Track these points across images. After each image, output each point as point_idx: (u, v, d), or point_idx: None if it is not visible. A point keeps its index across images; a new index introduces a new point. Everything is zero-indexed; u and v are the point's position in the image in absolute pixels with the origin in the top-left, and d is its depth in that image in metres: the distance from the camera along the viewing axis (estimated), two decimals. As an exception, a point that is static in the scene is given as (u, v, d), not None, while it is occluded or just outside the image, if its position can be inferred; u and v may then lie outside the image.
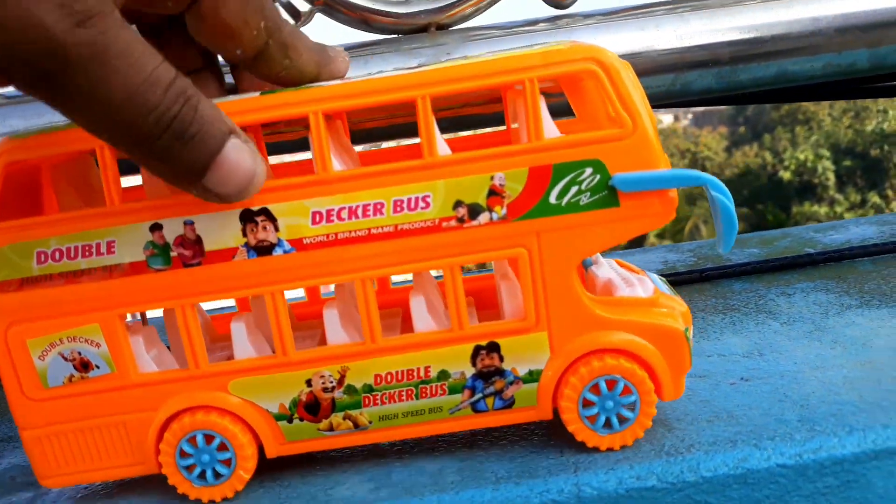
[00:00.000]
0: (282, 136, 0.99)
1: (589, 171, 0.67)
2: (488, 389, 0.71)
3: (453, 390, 0.71)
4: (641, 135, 0.66)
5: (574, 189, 0.67)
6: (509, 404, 0.72)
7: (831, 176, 18.68)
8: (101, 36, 0.54)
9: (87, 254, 0.69)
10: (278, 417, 0.72)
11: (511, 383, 0.71)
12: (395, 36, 0.98)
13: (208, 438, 0.71)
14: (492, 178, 0.67)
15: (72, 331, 0.70)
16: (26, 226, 0.69)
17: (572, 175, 0.67)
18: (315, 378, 0.71)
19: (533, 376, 0.71)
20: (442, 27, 0.97)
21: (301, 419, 0.72)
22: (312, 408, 0.72)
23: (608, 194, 0.67)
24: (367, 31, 0.98)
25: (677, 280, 1.16)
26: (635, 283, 0.76)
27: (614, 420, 0.70)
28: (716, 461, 0.67)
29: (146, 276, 0.69)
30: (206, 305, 0.79)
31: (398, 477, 0.72)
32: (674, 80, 0.97)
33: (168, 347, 0.79)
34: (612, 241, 0.69)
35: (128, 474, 0.74)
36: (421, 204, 0.68)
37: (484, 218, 0.68)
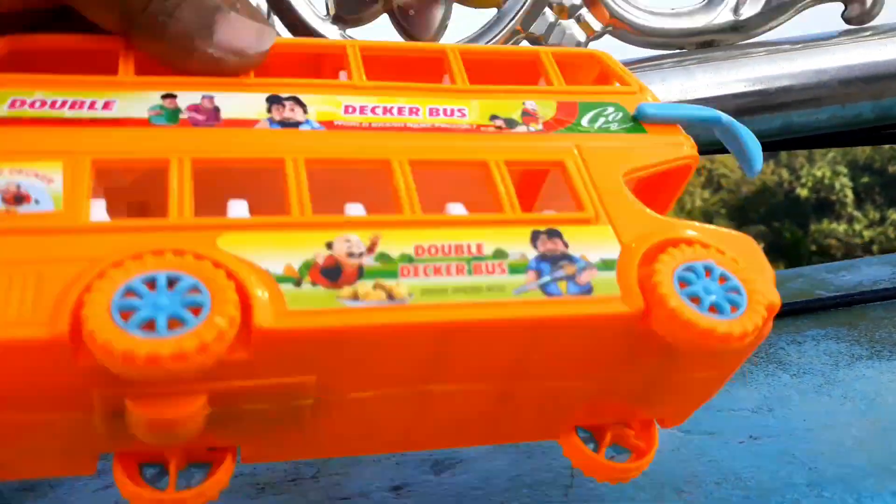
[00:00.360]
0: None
1: (611, 108, 0.69)
2: (557, 272, 0.56)
3: (515, 270, 0.56)
4: (648, 94, 0.71)
5: (602, 119, 0.68)
6: (587, 290, 0.56)
7: (849, 193, 18.55)
8: None
9: (76, 107, 0.57)
10: (281, 279, 0.52)
11: (583, 269, 0.57)
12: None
13: (171, 282, 0.49)
14: (523, 103, 0.68)
15: (23, 163, 0.53)
16: (13, 80, 0.57)
17: (598, 110, 0.68)
18: (339, 241, 0.54)
19: (608, 265, 0.58)
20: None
21: (314, 284, 0.52)
22: (332, 272, 0.53)
23: (634, 124, 0.68)
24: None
25: (688, 326, 1.16)
26: None
27: (724, 305, 0.56)
28: (722, 529, 0.67)
29: (144, 128, 0.57)
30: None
31: None
32: (679, 135, 0.97)
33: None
34: (648, 160, 0.67)
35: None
36: (457, 113, 0.66)
37: (521, 129, 0.66)
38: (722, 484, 0.73)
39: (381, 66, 0.70)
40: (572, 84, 0.75)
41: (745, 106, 0.96)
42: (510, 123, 0.67)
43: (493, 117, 0.67)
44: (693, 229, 0.62)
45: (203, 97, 0.60)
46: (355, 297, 0.52)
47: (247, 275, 0.50)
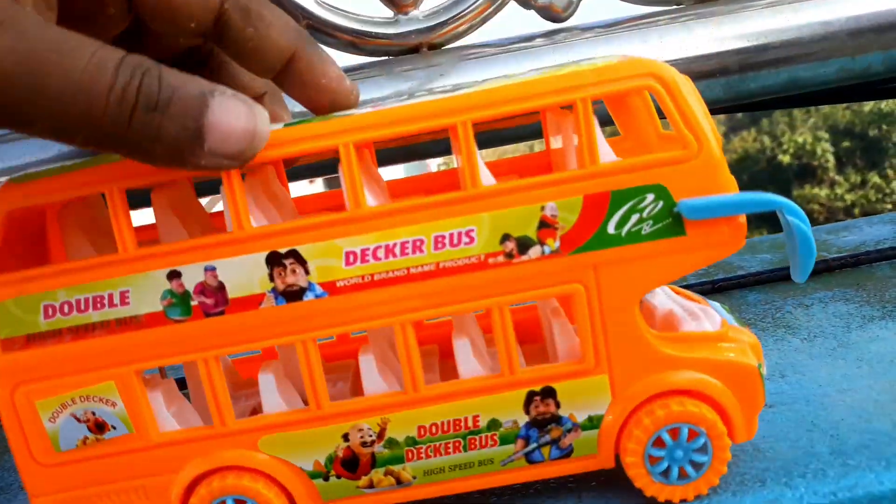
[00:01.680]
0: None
1: (651, 197, 0.61)
2: (544, 438, 0.65)
3: (505, 440, 0.65)
4: (707, 156, 0.60)
5: (635, 217, 0.61)
6: (567, 453, 0.66)
7: (830, 158, 18.61)
8: (20, 41, 0.50)
9: (98, 306, 0.63)
10: (313, 475, 0.67)
11: (569, 431, 0.65)
12: (386, 58, 0.95)
13: (238, 503, 0.66)
14: (542, 208, 0.61)
15: (84, 390, 0.64)
16: (31, 277, 0.63)
17: (632, 202, 0.61)
18: (353, 432, 0.65)
19: (593, 423, 0.65)
20: (434, 47, 0.94)
21: (338, 476, 0.66)
22: (350, 464, 0.66)
23: (672, 222, 0.61)
24: (356, 54, 0.95)
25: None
26: (700, 314, 0.70)
27: (688, 469, 0.65)
28: (745, 503, 0.64)
29: (164, 328, 0.64)
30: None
31: (412, 527, 0.68)
32: (681, 92, 0.93)
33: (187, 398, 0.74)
34: (677, 274, 0.63)
35: None
36: (465, 239, 0.62)
37: (535, 252, 0.62)
38: (740, 456, 0.69)
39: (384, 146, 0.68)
40: (632, 122, 0.68)
41: (747, 61, 0.92)
42: (523, 247, 0.62)
43: (505, 238, 0.62)
44: (690, 369, 0.64)
45: (206, 270, 0.63)
46: (370, 485, 0.67)
47: (289, 478, 0.67)
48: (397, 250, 0.62)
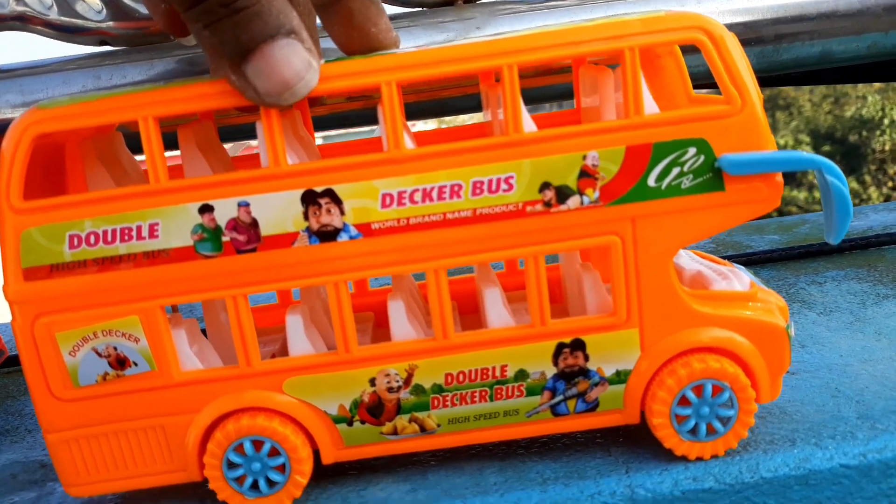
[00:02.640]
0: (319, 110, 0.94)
1: (692, 150, 0.61)
2: (570, 391, 0.65)
3: (532, 392, 0.65)
4: (750, 112, 0.60)
5: (676, 171, 0.61)
6: (593, 407, 0.66)
7: (810, 161, 18.76)
8: None
9: (126, 237, 0.61)
10: (337, 420, 0.66)
11: (596, 385, 0.65)
12: (422, 9, 0.93)
13: (257, 444, 0.65)
14: (584, 157, 0.61)
15: (107, 323, 0.63)
16: (57, 205, 0.61)
17: (674, 155, 0.61)
18: (380, 377, 0.65)
19: (620, 377, 0.65)
20: (469, 0, 0.92)
21: (362, 422, 0.66)
22: (375, 409, 0.65)
23: (713, 177, 0.61)
24: (391, 4, 0.93)
25: (701, 267, 1.12)
26: (730, 275, 0.70)
27: (715, 424, 0.64)
28: (776, 461, 0.64)
29: (194, 262, 0.62)
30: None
31: (435, 478, 0.67)
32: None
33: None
34: (715, 229, 0.62)
35: (166, 482, 0.67)
36: (503, 186, 0.61)
37: (574, 202, 0.61)
38: (767, 418, 0.69)
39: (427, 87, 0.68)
40: (663, 83, 0.67)
41: (783, 31, 0.91)
42: (562, 196, 0.61)
43: (545, 186, 0.61)
44: (720, 326, 0.64)
45: (239, 206, 0.61)
46: (394, 431, 0.66)
47: (312, 421, 0.65)
48: (434, 194, 0.61)
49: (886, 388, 0.72)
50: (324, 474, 0.70)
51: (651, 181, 0.61)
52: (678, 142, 0.61)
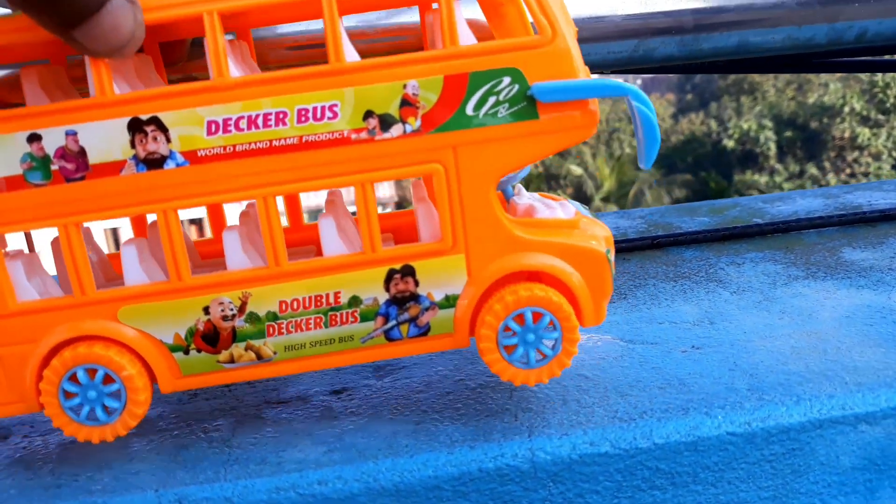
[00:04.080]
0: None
1: (507, 80, 0.64)
2: (402, 316, 0.68)
3: (365, 317, 0.68)
4: (561, 43, 0.63)
5: (492, 100, 0.64)
6: (424, 331, 0.68)
7: (773, 146, 19.09)
8: None
9: None
10: (174, 349, 0.67)
11: (427, 309, 0.68)
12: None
13: (91, 373, 0.66)
14: (404, 86, 0.63)
15: None
16: None
17: (490, 84, 0.64)
18: (213, 305, 0.66)
19: (449, 301, 0.68)
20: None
21: (199, 350, 0.67)
22: (211, 338, 0.67)
23: (527, 105, 0.64)
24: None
25: (628, 247, 1.17)
26: (556, 207, 0.73)
27: (544, 349, 0.68)
28: (668, 428, 0.68)
29: (23, 192, 0.63)
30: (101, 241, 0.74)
31: (351, 440, 0.71)
32: (636, 47, 0.96)
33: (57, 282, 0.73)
34: (533, 157, 0.65)
35: (5, 414, 0.68)
36: (328, 114, 0.63)
37: (396, 130, 0.64)
38: (666, 388, 0.74)
39: (253, 17, 0.70)
40: (506, 30, 0.69)
41: (703, 22, 0.95)
42: (385, 124, 0.64)
43: (368, 115, 0.64)
44: (542, 252, 0.67)
45: (67, 135, 0.63)
46: (231, 359, 0.68)
47: (149, 350, 0.67)
48: (260, 122, 0.63)
49: (779, 363, 0.77)
50: (242, 435, 0.73)
51: (469, 110, 0.64)
52: (493, 71, 0.64)
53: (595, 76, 0.66)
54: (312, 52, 0.94)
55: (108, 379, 0.66)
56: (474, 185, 0.65)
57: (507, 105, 0.64)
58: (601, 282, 0.68)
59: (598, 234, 0.70)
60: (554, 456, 0.67)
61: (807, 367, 0.75)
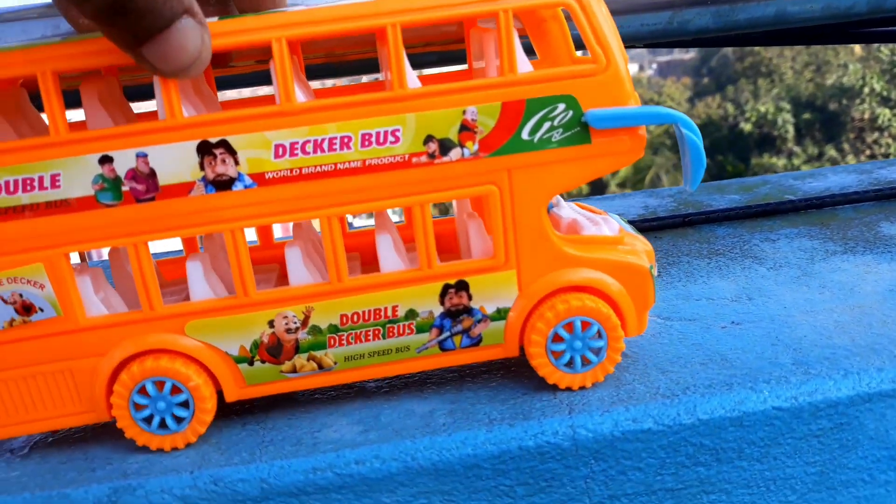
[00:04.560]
0: (231, 70, 0.95)
1: (562, 106, 0.66)
2: (456, 328, 0.70)
3: (421, 329, 0.70)
4: (614, 71, 0.66)
5: (546, 125, 0.66)
6: (477, 342, 0.71)
7: (790, 129, 18.88)
8: None
9: (28, 188, 0.63)
10: (239, 360, 0.69)
11: (479, 321, 0.70)
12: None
13: (159, 385, 0.68)
14: (464, 112, 0.65)
15: (12, 271, 0.65)
16: None
17: (545, 111, 0.66)
18: (278, 319, 0.68)
19: (501, 314, 0.70)
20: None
21: (263, 361, 0.70)
22: (275, 350, 0.69)
23: (580, 131, 0.66)
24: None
25: (659, 225, 1.15)
26: (600, 222, 0.76)
27: (585, 357, 0.70)
28: (712, 404, 0.67)
29: (95, 212, 0.64)
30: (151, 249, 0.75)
31: (387, 419, 0.70)
32: (671, 18, 0.94)
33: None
34: (583, 179, 0.68)
35: (77, 423, 0.70)
36: (390, 138, 0.65)
37: (455, 154, 0.66)
38: (708, 364, 0.72)
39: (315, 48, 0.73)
40: (548, 47, 0.71)
41: (740, -10, 0.92)
42: (444, 148, 0.66)
43: (428, 139, 0.66)
44: (589, 267, 0.69)
45: (137, 157, 0.64)
46: (293, 370, 0.70)
47: (214, 361, 0.69)
48: (325, 146, 0.65)
49: (823, 337, 0.75)
50: (276, 417, 0.72)
51: (525, 135, 0.66)
52: (548, 98, 0.66)
53: (646, 106, 0.67)
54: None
55: (175, 390, 0.68)
56: (527, 205, 0.68)
57: (560, 130, 0.67)
58: (644, 294, 0.71)
59: (640, 248, 0.73)
60: (595, 433, 0.66)
61: (853, 341, 0.73)
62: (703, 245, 1.06)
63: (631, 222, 1.06)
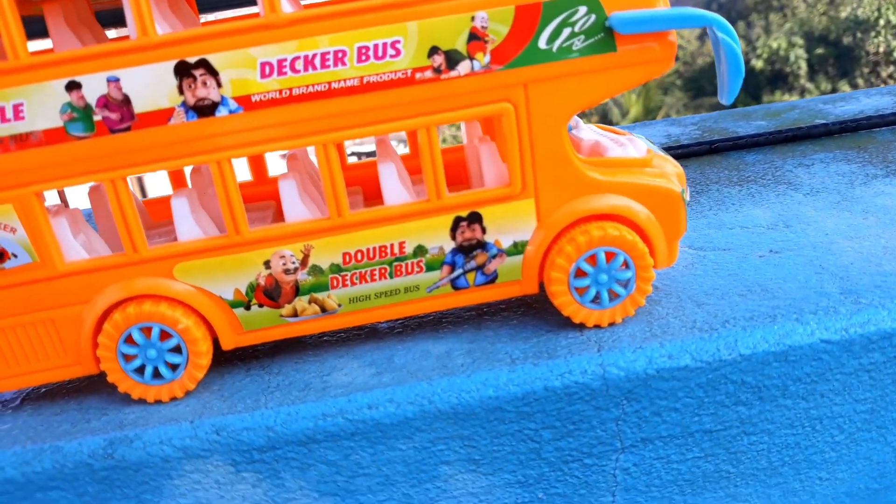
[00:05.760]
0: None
1: (583, 9, 0.58)
2: (469, 264, 0.64)
3: (431, 267, 0.64)
4: None
5: (566, 31, 0.58)
6: (492, 279, 0.65)
7: (803, 65, 18.49)
8: None
9: None
10: (234, 304, 0.64)
11: (494, 257, 0.64)
12: None
13: (145, 332, 0.62)
14: (472, 18, 0.57)
15: None
16: None
17: (565, 15, 0.58)
18: (274, 259, 0.62)
19: (518, 248, 0.64)
20: None
21: (260, 305, 0.64)
22: (273, 292, 0.64)
23: (604, 37, 0.59)
24: None
25: (685, 153, 1.08)
26: (626, 143, 0.69)
27: (612, 291, 0.64)
28: (755, 338, 0.61)
29: (66, 145, 0.58)
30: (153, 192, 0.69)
31: (401, 360, 0.65)
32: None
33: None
34: (608, 93, 0.60)
35: (64, 377, 0.65)
36: (390, 51, 0.57)
37: (464, 68, 0.58)
38: (747, 295, 0.67)
39: None
40: None
41: None
42: (451, 61, 0.58)
43: (433, 51, 0.57)
44: (617, 192, 0.62)
45: (109, 81, 0.56)
46: (294, 313, 0.64)
47: (208, 306, 0.63)
48: (317, 62, 0.58)
49: (872, 265, 0.69)
50: (282, 361, 0.67)
51: (542, 43, 0.59)
52: (568, 0, 0.58)
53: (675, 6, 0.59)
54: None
55: (164, 335, 0.62)
56: (546, 124, 0.60)
57: (582, 37, 0.59)
58: (675, 222, 0.64)
59: (670, 171, 0.66)
60: (628, 371, 0.60)
61: (905, 268, 0.68)
62: (733, 172, 0.99)
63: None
